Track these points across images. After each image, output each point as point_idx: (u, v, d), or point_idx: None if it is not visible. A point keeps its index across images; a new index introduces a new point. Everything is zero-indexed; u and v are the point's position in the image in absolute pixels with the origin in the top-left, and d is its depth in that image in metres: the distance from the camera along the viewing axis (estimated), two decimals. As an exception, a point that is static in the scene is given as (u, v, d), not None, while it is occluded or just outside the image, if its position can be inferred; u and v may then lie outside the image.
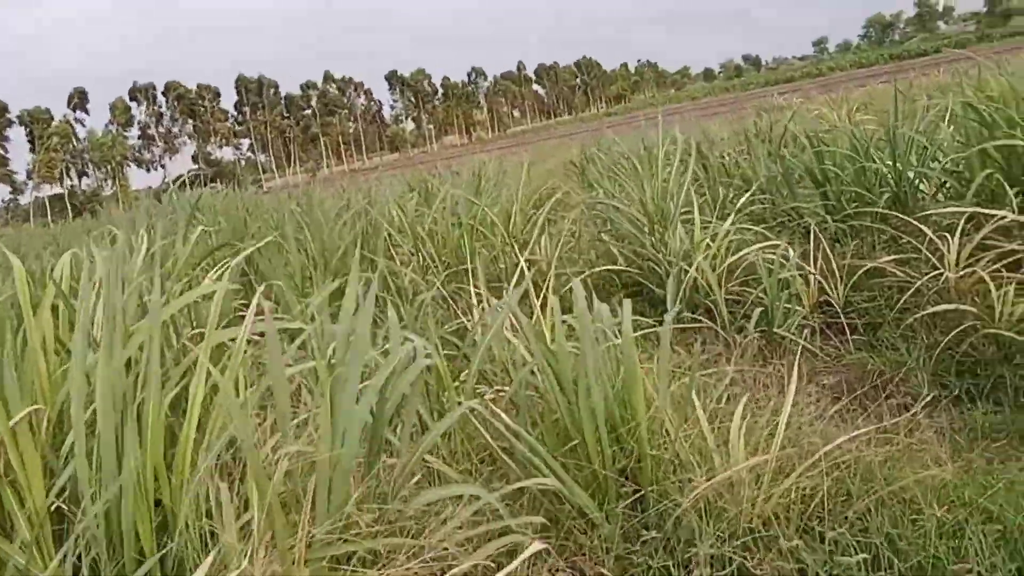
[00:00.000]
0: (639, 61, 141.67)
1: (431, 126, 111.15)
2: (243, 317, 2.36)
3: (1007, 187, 4.87)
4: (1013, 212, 4.63)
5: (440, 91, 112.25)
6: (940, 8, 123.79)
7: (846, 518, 2.09)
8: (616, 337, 2.77)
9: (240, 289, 5.46)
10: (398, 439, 2.38)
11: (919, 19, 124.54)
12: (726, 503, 2.18)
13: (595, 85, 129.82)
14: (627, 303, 2.58)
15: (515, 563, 1.77)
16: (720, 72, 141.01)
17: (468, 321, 4.08)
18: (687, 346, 4.25)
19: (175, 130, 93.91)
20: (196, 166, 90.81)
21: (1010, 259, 4.35)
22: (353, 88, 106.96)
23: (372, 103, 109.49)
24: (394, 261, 5.94)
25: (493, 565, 1.89)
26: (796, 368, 2.56)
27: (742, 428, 2.35)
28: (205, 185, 17.03)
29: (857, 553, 1.87)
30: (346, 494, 2.02)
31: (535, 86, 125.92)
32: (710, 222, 5.28)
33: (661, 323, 3.72)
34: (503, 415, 2.46)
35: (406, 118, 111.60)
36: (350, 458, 2.05)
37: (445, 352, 3.63)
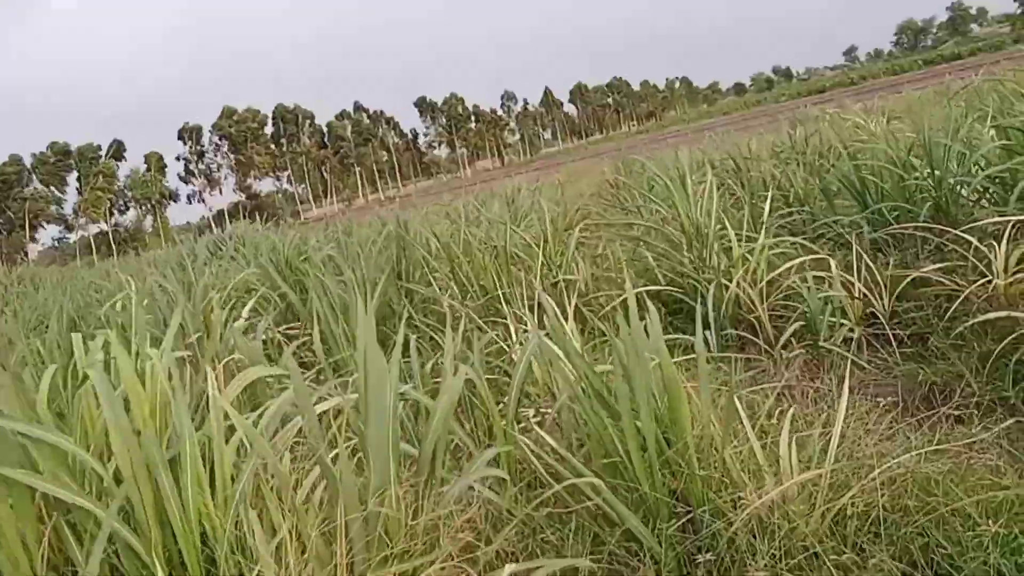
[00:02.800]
0: (667, 79, 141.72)
1: (464, 150, 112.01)
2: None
3: (1054, 191, 4.77)
4: (1064, 216, 4.53)
5: (472, 116, 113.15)
6: (974, 11, 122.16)
7: (904, 535, 2.04)
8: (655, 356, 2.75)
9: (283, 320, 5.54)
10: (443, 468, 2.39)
11: (951, 23, 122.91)
12: (779, 521, 2.14)
13: (626, 104, 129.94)
14: (655, 317, 2.56)
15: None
16: (751, 85, 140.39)
17: (507, 345, 4.08)
18: (732, 362, 4.20)
19: (214, 165, 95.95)
20: (237, 197, 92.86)
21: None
22: (384, 121, 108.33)
23: (405, 132, 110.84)
24: (432, 286, 5.97)
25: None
26: (847, 380, 2.51)
27: (792, 443, 2.31)
28: (245, 218, 17.35)
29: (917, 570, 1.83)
30: (391, 522, 2.03)
31: (567, 106, 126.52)
32: (748, 236, 5.24)
33: (704, 341, 3.70)
34: (548, 438, 2.45)
35: (439, 144, 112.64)
36: (382, 484, 2.07)
37: (487, 377, 3.64)
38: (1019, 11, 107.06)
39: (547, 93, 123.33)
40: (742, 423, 2.51)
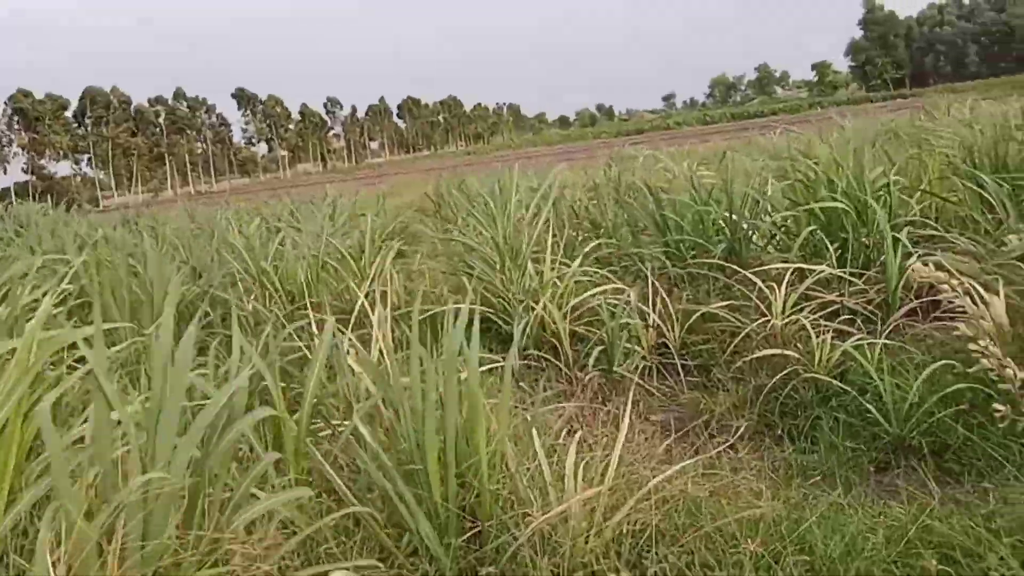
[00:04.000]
0: (497, 103, 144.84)
1: (285, 152, 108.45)
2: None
3: (828, 243, 5.30)
4: (832, 266, 5.05)
5: (296, 117, 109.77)
6: (778, 74, 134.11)
7: (672, 552, 2.17)
8: (463, 371, 2.78)
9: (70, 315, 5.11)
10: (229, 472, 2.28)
11: (759, 83, 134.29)
12: (561, 537, 2.22)
13: (456, 124, 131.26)
14: (475, 339, 2.60)
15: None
16: (575, 120, 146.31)
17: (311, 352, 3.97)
18: (532, 383, 4.33)
19: (4, 139, 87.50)
20: (27, 178, 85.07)
21: (829, 309, 4.73)
22: (204, 110, 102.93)
23: (222, 125, 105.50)
24: (238, 288, 5.72)
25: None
26: (629, 405, 2.65)
27: (578, 463, 2.40)
28: (35, 200, 15.86)
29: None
30: (164, 528, 1.92)
31: (396, 120, 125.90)
32: (560, 263, 5.42)
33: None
34: (369, 437, 2.41)
35: (258, 141, 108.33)
36: (171, 491, 1.95)
37: (287, 385, 3.53)
38: (815, 79, 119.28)
39: (380, 102, 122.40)
40: (534, 442, 2.58)
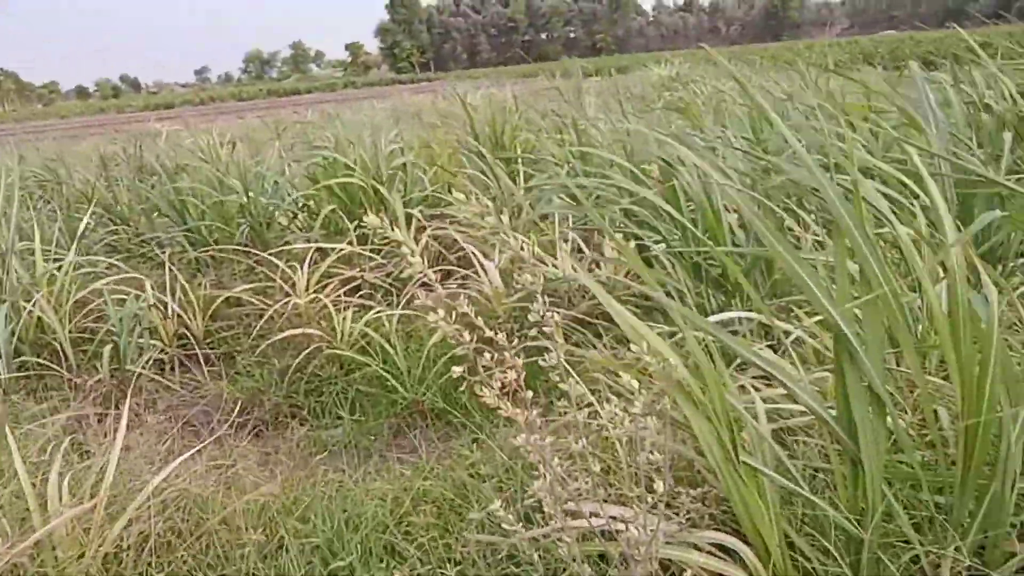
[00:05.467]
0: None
1: None
2: None
3: (348, 221, 5.51)
4: (352, 244, 5.27)
5: None
6: (313, 52, 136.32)
7: (175, 558, 2.06)
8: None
9: None
10: None
11: (294, 60, 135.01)
12: (46, 567, 1.97)
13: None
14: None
15: None
16: (96, 91, 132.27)
17: None
18: (30, 393, 3.82)
19: None
20: None
21: (351, 285, 4.92)
22: None
23: None
24: None
25: None
26: (128, 404, 2.46)
27: (68, 477, 2.16)
28: None
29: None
30: None
31: None
32: (63, 254, 4.83)
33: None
34: None
35: None
36: None
37: None
38: (349, 59, 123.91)
39: None
40: (15, 463, 2.26)
